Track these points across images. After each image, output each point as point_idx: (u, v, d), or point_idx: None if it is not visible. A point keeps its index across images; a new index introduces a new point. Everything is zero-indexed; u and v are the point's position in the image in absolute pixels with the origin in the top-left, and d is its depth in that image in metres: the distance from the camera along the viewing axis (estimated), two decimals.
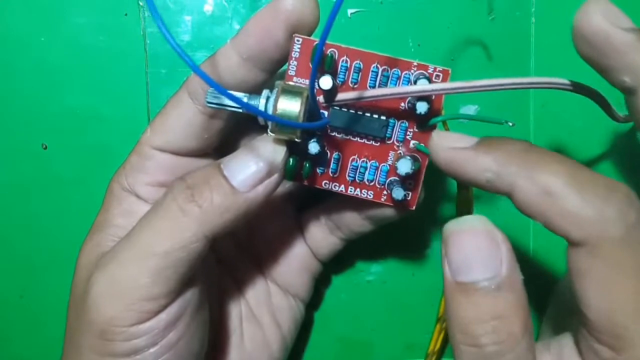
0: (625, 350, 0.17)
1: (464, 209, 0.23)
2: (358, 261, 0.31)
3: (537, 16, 0.29)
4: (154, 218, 0.20)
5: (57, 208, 0.29)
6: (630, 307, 0.17)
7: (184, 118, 0.22)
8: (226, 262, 0.26)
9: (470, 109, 0.30)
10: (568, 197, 0.17)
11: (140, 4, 0.28)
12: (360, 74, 0.21)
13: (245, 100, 0.20)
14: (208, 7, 0.29)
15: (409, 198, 0.23)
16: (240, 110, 0.20)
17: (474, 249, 0.17)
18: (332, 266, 0.29)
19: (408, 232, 0.30)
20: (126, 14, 0.28)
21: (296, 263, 0.27)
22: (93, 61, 0.29)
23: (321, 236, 0.27)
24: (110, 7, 0.28)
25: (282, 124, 0.19)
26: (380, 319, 0.31)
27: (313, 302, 0.29)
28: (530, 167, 0.17)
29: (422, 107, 0.21)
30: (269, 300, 0.26)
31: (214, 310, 0.24)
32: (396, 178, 0.22)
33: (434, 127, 0.22)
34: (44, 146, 0.29)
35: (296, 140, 0.20)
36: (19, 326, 0.30)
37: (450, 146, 0.19)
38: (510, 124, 0.20)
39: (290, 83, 0.21)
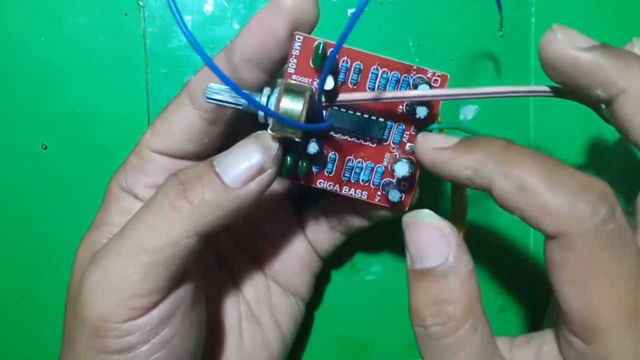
0: (596, 342, 0.17)
1: (458, 211, 0.23)
2: (358, 261, 0.31)
3: (537, 16, 0.30)
4: (145, 214, 0.20)
5: (57, 208, 0.29)
6: (601, 301, 0.17)
7: (184, 122, 0.22)
8: (226, 260, 0.26)
9: (470, 110, 0.30)
10: (541, 191, 0.17)
11: (141, 3, 0.28)
12: (360, 75, 0.21)
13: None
14: (208, 7, 0.29)
15: (403, 200, 0.23)
16: (240, 107, 0.20)
17: (424, 240, 0.19)
18: (332, 265, 0.29)
19: None
20: (126, 14, 0.28)
21: (297, 261, 0.27)
22: (93, 61, 0.29)
23: (322, 232, 0.27)
24: (110, 7, 0.28)
25: (286, 123, 0.19)
26: (380, 318, 0.31)
27: (313, 301, 0.29)
28: (506, 165, 0.18)
29: (422, 112, 0.21)
30: (269, 299, 0.26)
31: (212, 309, 0.24)
32: (391, 180, 0.23)
33: (431, 132, 0.22)
34: (44, 146, 0.29)
35: (296, 139, 0.20)
36: (19, 326, 0.30)
37: (433, 147, 0.20)
38: None
39: (291, 81, 0.21)
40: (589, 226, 0.17)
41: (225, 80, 0.17)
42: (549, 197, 0.17)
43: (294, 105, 0.19)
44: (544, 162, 0.18)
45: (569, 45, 0.18)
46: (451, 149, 0.19)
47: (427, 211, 0.20)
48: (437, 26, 0.29)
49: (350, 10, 0.29)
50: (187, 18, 0.29)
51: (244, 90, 0.18)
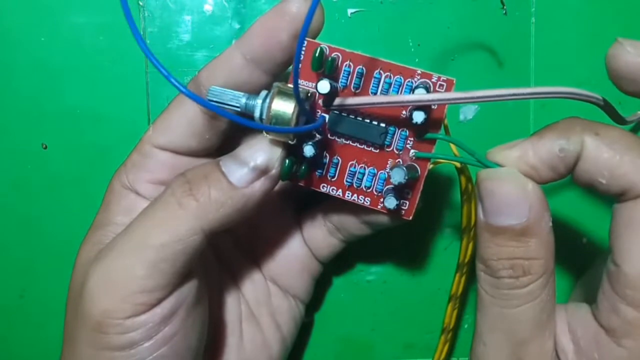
0: None
1: (468, 221, 0.24)
2: (358, 261, 0.31)
3: (537, 16, 0.29)
4: (152, 211, 0.20)
5: (57, 208, 0.29)
6: None
7: (186, 118, 0.22)
8: (226, 262, 0.26)
9: (470, 110, 0.30)
10: (634, 148, 0.18)
11: (141, 3, 0.28)
12: (362, 79, 0.21)
13: (243, 100, 0.20)
14: (208, 7, 0.29)
15: (404, 207, 0.22)
16: (239, 109, 0.20)
17: (503, 195, 0.19)
18: (332, 266, 0.29)
19: (408, 232, 0.30)
20: None
21: (296, 264, 0.27)
22: (93, 61, 0.29)
23: (321, 237, 0.26)
24: (110, 7, 0.28)
25: (270, 130, 0.20)
26: (380, 319, 0.31)
27: (313, 301, 0.29)
28: (592, 127, 0.19)
29: (418, 117, 0.20)
30: (268, 301, 0.26)
31: (213, 310, 0.24)
32: (393, 186, 0.22)
33: (433, 140, 0.21)
34: (44, 146, 0.29)
35: (290, 142, 0.20)
36: (19, 326, 0.30)
37: (515, 155, 0.20)
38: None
39: (290, 85, 0.21)
40: None
41: (203, 102, 0.17)
42: None
43: (285, 108, 0.19)
44: (625, 131, 0.19)
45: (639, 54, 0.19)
46: (529, 138, 0.20)
47: (508, 169, 0.20)
48: (437, 26, 0.29)
49: (351, 11, 0.29)
50: (187, 18, 0.29)
51: (235, 94, 0.19)
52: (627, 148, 0.18)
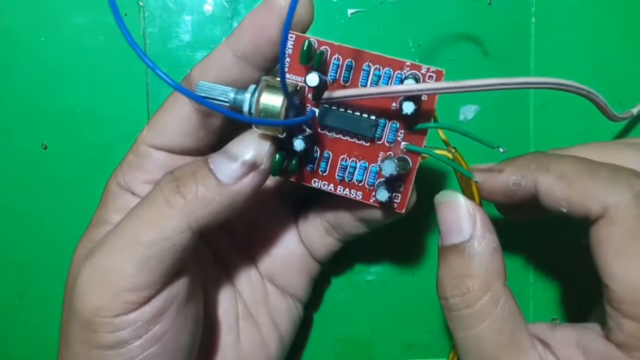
0: None
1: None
2: (357, 261, 0.30)
3: (537, 16, 0.29)
4: (141, 209, 0.20)
5: (57, 208, 0.29)
6: None
7: (179, 117, 0.22)
8: (223, 261, 0.26)
9: (470, 109, 0.30)
10: (582, 176, 0.20)
11: (141, 4, 0.29)
12: (351, 72, 0.21)
13: (232, 94, 0.20)
14: (208, 7, 0.29)
15: (397, 200, 0.22)
16: (227, 105, 0.20)
17: (451, 218, 0.21)
18: (331, 266, 0.29)
19: (408, 231, 0.30)
20: (126, 14, 0.28)
21: (293, 264, 0.27)
22: (93, 61, 0.29)
23: (317, 237, 0.26)
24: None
25: (259, 123, 0.20)
26: (380, 319, 0.31)
27: (312, 302, 0.29)
28: (546, 163, 0.21)
29: (408, 108, 0.20)
30: (266, 301, 0.26)
31: (209, 309, 0.24)
32: (385, 180, 0.22)
33: (425, 131, 0.21)
34: (44, 146, 0.29)
35: (279, 136, 0.20)
36: (19, 326, 0.30)
37: (478, 168, 0.23)
38: (502, 150, 0.21)
39: (274, 78, 0.21)
40: (628, 197, 0.19)
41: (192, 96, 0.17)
42: (589, 179, 0.20)
43: (273, 101, 0.19)
44: (577, 157, 0.21)
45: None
46: (496, 167, 0.23)
47: (455, 191, 0.22)
48: (437, 26, 0.29)
49: (351, 11, 0.29)
50: (187, 18, 0.29)
51: (224, 88, 0.19)
52: (576, 176, 0.20)
